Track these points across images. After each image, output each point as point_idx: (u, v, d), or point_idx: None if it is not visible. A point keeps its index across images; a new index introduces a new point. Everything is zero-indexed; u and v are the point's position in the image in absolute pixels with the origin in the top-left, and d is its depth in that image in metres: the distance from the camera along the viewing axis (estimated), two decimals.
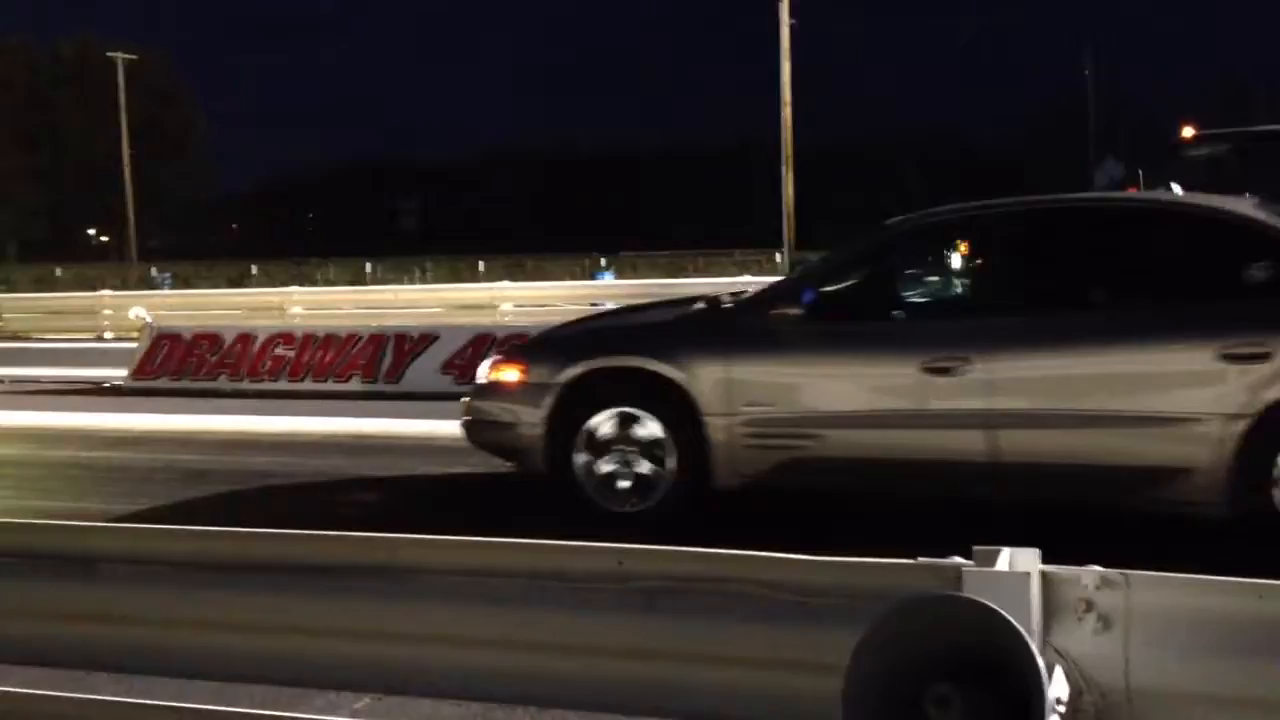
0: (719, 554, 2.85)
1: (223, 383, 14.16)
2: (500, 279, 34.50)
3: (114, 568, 3.28)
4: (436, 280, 45.82)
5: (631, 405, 6.81)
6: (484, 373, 7.40)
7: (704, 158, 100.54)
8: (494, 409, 7.20)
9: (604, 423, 6.85)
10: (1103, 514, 6.30)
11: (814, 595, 2.72)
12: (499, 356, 7.51)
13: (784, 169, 43.18)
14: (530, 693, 3.19)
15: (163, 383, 14.40)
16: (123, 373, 14.80)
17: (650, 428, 6.78)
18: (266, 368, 14.15)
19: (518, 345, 7.82)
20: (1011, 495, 6.34)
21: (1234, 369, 5.75)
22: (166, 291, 37.43)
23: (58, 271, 55.43)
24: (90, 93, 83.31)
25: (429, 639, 3.11)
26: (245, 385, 14.02)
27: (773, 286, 7.27)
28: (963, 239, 7.38)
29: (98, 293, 26.67)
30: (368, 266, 52.96)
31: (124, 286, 34.82)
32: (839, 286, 6.96)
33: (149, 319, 15.43)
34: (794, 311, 6.68)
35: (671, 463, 6.76)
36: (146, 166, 73.46)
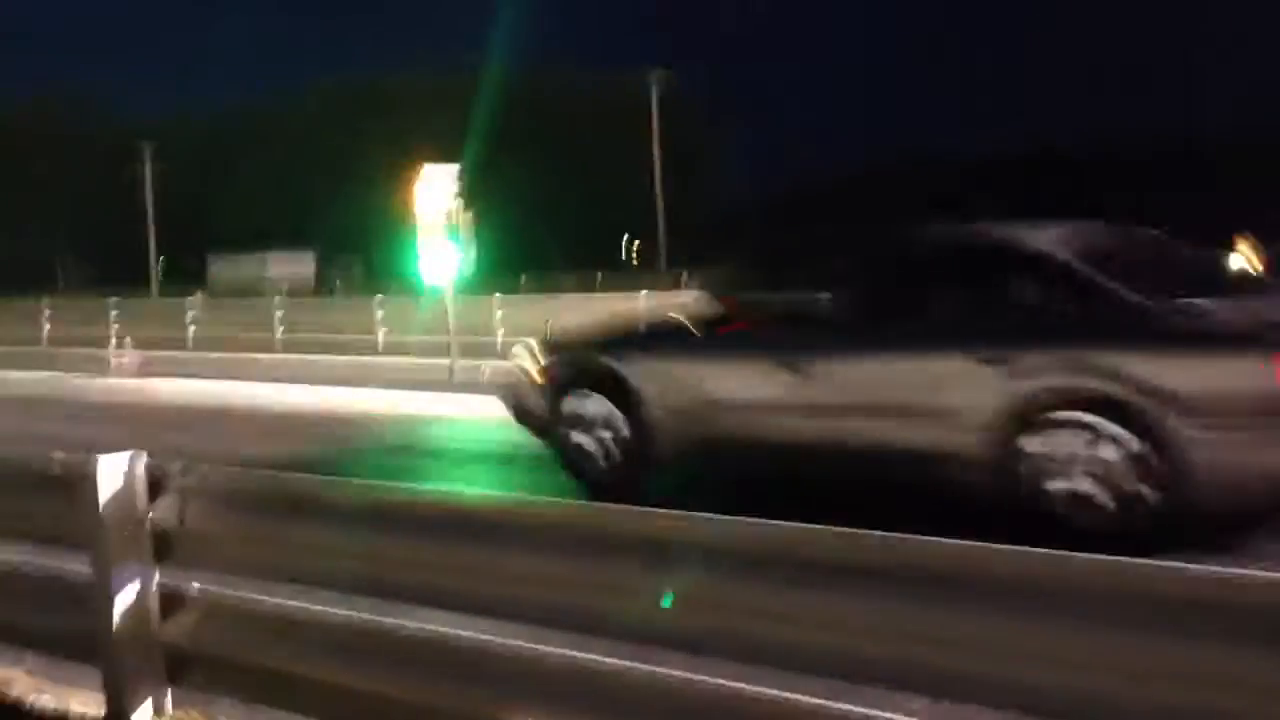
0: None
1: None
2: None
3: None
4: None
5: (602, 393, 8.93)
6: (516, 365, 9.79)
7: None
8: (520, 392, 9.66)
9: (582, 406, 9.06)
10: None
11: None
12: (524, 353, 9.82)
13: None
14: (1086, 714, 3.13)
15: None
16: None
17: (614, 412, 8.87)
18: None
19: (535, 344, 10.04)
20: (835, 474, 7.94)
21: (982, 370, 7.31)
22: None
23: (598, 277, 59.81)
24: (611, 114, 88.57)
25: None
26: None
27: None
28: (806, 263, 9.65)
29: (642, 294, 28.40)
30: None
31: (658, 289, 36.86)
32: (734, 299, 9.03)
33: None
34: (698, 322, 8.84)
35: (626, 439, 8.82)
36: (670, 181, 77.85)
